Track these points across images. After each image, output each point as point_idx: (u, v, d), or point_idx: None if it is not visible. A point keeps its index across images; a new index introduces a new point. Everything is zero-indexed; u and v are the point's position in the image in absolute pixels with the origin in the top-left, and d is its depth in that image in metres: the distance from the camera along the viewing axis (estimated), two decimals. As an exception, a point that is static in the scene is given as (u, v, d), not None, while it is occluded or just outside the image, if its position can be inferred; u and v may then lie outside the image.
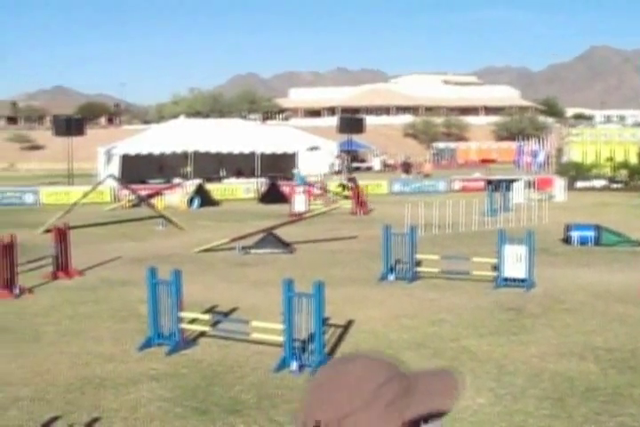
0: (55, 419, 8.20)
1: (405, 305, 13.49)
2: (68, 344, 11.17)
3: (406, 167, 58.00)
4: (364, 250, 20.00)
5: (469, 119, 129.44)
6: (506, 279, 14.85)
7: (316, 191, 36.56)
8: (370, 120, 65.92)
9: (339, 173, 49.18)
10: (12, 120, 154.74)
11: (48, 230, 21.44)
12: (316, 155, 49.30)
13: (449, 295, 14.29)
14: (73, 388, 9.19)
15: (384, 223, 16.48)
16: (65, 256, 16.72)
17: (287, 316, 9.55)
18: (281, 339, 9.79)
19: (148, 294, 10.88)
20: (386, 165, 74.41)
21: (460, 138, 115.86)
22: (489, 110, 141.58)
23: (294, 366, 9.57)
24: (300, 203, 30.31)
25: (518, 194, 32.81)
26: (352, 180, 36.17)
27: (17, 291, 14.69)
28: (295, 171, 38.21)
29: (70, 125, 43.79)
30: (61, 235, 16.66)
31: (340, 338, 11.22)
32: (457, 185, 43.71)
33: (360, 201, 31.40)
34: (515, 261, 14.74)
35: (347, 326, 11.87)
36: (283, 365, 9.62)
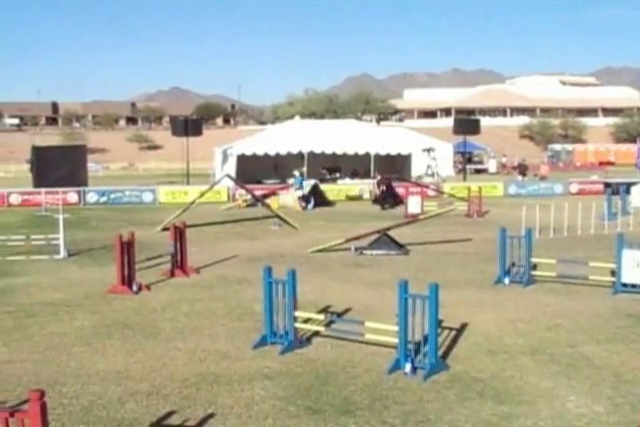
0: (171, 414, 8.33)
1: (521, 309, 13.27)
2: (185, 341, 11.35)
3: (522, 169, 57.02)
4: (478, 252, 19.78)
5: (587, 121, 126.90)
6: (624, 285, 14.46)
7: (431, 193, 36.36)
8: (485, 121, 65.30)
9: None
10: (131, 120, 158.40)
11: (166, 229, 21.87)
12: (432, 156, 49.00)
13: (565, 300, 14.00)
14: (188, 383, 9.32)
15: (499, 226, 16.26)
16: (182, 254, 17.01)
17: (401, 317, 9.50)
18: (395, 340, 9.74)
19: (263, 292, 10.96)
20: (503, 167, 73.45)
21: (577, 140, 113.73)
22: (607, 112, 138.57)
23: (408, 367, 9.51)
24: (414, 204, 30.13)
25: (638, 197, 31.93)
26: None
27: (136, 288, 15.01)
28: (296, 173, 37.73)
29: (188, 126, 44.50)
30: (179, 233, 16.94)
31: (454, 341, 11.11)
32: (574, 188, 42.79)
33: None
34: (634, 267, 14.33)
35: (461, 329, 11.75)
36: (396, 366, 9.57)
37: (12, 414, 5.89)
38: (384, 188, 36.81)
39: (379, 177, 37.47)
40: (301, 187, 35.52)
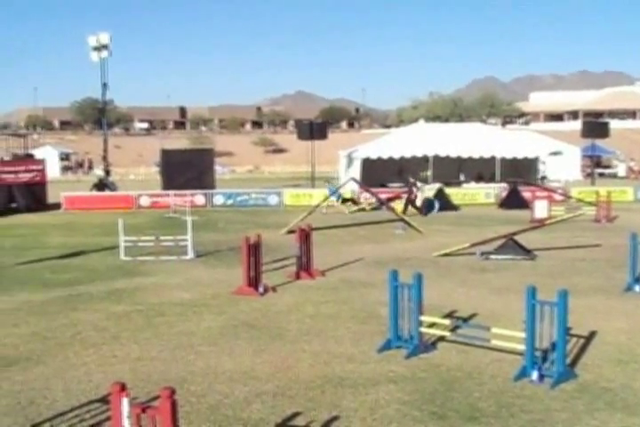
0: (296, 415, 8.39)
1: (653, 318, 12.90)
2: (310, 343, 11.41)
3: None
4: (607, 259, 19.31)
5: None
6: None
7: (558, 197, 35.69)
8: (614, 124, 63.65)
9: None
10: (257, 124, 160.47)
11: (291, 231, 22.05)
12: (559, 160, 48.17)
13: (701, 309, 13.55)
14: (314, 386, 9.37)
15: (629, 231, 15.82)
16: (307, 256, 17.12)
17: (529, 324, 9.34)
18: (521, 347, 9.58)
19: (389, 296, 10.93)
20: (631, 171, 71.58)
21: None
22: None
23: (535, 375, 9.34)
24: (541, 209, 29.63)
25: None
26: (412, 184, 34.36)
27: (262, 289, 15.18)
28: (328, 183, 37.04)
29: (313, 129, 44.79)
30: (304, 236, 17.06)
31: (583, 349, 10.86)
32: None
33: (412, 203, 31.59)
34: None
35: (589, 337, 11.48)
36: (523, 374, 9.42)
37: (143, 410, 6.02)
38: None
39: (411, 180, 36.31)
40: (336, 194, 34.94)
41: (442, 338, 11.28)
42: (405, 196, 34.48)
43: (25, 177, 37.32)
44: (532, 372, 9.37)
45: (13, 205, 36.72)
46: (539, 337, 9.38)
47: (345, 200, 35.72)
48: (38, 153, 46.26)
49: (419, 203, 34.62)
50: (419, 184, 34.58)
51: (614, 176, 69.44)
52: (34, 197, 37.65)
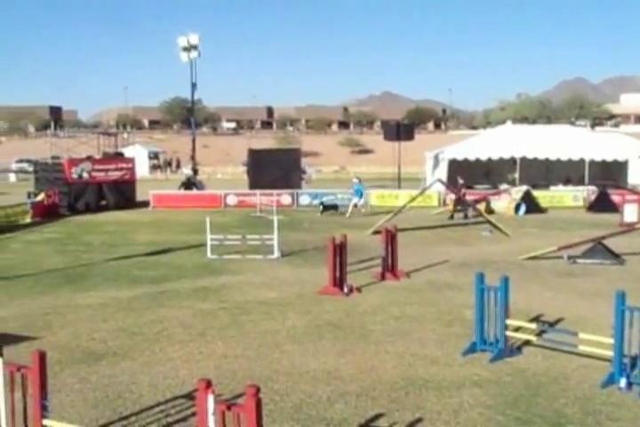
0: (379, 416, 8.39)
1: None
2: (394, 344, 11.40)
3: None
4: (701, 265, 18.86)
5: None
6: None
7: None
8: None
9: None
10: (343, 125, 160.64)
11: (377, 232, 22.04)
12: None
13: None
14: (397, 387, 9.36)
15: None
16: (393, 257, 17.09)
17: (618, 330, 9.17)
18: (609, 353, 9.43)
19: (475, 299, 10.86)
20: None
21: None
22: None
23: (623, 382, 9.18)
24: (630, 212, 29.06)
25: None
26: (461, 185, 33.18)
27: (347, 289, 15.20)
28: (355, 180, 35.95)
29: (400, 130, 44.62)
30: (390, 237, 17.03)
31: (674, 357, 10.63)
32: None
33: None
34: None
35: (681, 345, 11.23)
36: (610, 380, 9.27)
37: (228, 408, 6.09)
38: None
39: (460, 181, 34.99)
40: (360, 196, 34.38)
41: (527, 342, 11.16)
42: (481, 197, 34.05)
43: (115, 175, 37.97)
44: (620, 379, 9.22)
45: (103, 202, 37.41)
46: (627, 343, 9.22)
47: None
48: (128, 152, 46.83)
49: (503, 205, 34.26)
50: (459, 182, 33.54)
51: None
52: (123, 194, 38.30)
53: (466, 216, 31.51)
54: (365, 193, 34.82)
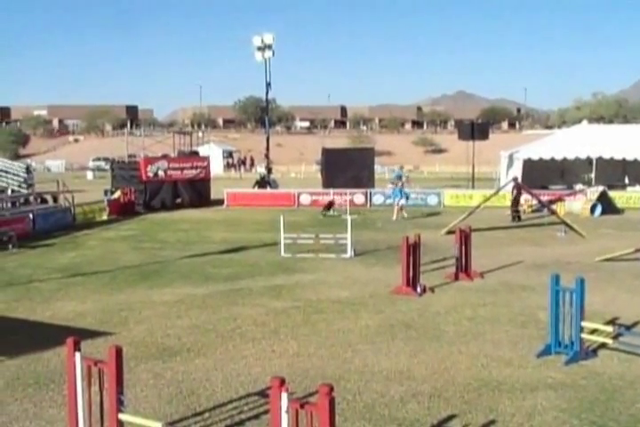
0: (452, 417, 8.35)
1: None
2: (467, 345, 11.34)
3: None
4: None
5: None
6: None
7: None
8: None
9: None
10: (417, 124, 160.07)
11: (451, 232, 21.91)
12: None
13: None
14: (470, 388, 9.31)
15: None
16: (466, 258, 16.99)
17: (697, 334, 9.01)
18: (688, 357, 9.26)
19: (549, 300, 10.73)
20: None
21: None
22: None
23: (702, 387, 9.01)
24: None
25: None
26: (517, 184, 31.77)
27: (420, 289, 15.17)
28: (395, 168, 34.51)
29: (474, 130, 44.31)
30: (464, 237, 16.94)
31: None
32: None
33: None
34: None
35: None
36: (688, 386, 9.10)
37: (302, 406, 6.12)
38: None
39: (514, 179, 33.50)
40: (401, 196, 33.16)
41: (603, 345, 11.01)
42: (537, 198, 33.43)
43: (190, 173, 38.37)
44: (699, 384, 9.04)
45: (178, 200, 37.85)
46: None
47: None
48: (202, 150, 47.34)
49: (578, 205, 33.81)
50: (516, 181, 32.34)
51: None
52: (198, 193, 38.69)
53: (518, 218, 30.96)
54: (404, 194, 33.77)
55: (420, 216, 32.76)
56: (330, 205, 34.34)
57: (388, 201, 35.08)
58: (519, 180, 32.88)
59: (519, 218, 30.92)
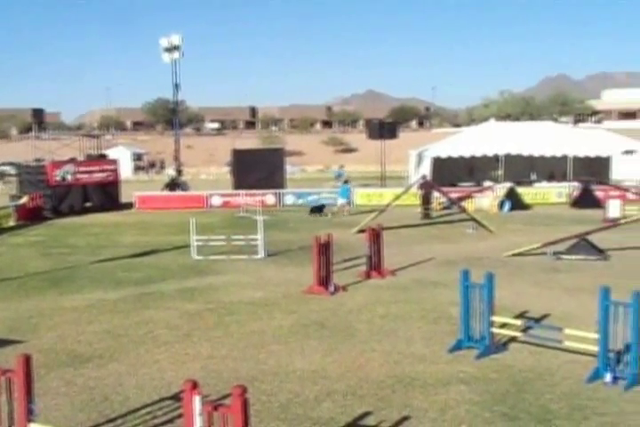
0: (367, 414, 8.40)
1: None
2: (380, 342, 11.41)
3: None
4: (684, 259, 18.97)
5: None
6: None
7: (632, 196, 35.12)
8: (691, 122, 62.33)
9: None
10: (327, 124, 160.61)
11: (362, 231, 22.05)
12: (632, 159, 47.40)
13: None
14: (384, 385, 9.37)
15: None
16: (378, 256, 17.11)
17: (602, 325, 9.22)
18: (595, 349, 9.46)
19: (460, 296, 10.89)
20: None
21: None
22: None
23: (608, 377, 9.22)
24: (614, 208, 29.16)
25: None
26: (424, 182, 32.58)
27: (332, 288, 15.21)
28: (336, 169, 35.92)
29: (383, 129, 44.63)
30: (375, 235, 17.05)
31: (658, 351, 10.67)
32: None
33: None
34: None
35: (665, 339, 11.28)
36: (596, 375, 9.31)
37: (215, 408, 6.09)
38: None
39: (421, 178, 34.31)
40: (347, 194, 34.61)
41: (513, 339, 11.21)
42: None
43: (99, 177, 37.86)
44: (605, 374, 9.26)
45: (88, 204, 37.30)
46: (612, 339, 9.26)
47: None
48: (111, 153, 46.86)
49: (487, 202, 34.34)
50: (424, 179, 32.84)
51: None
52: (107, 196, 38.19)
53: (428, 216, 31.30)
54: (349, 193, 34.63)
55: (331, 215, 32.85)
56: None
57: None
58: (428, 178, 33.26)
59: (429, 216, 31.26)
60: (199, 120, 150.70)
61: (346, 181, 36.87)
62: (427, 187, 31.45)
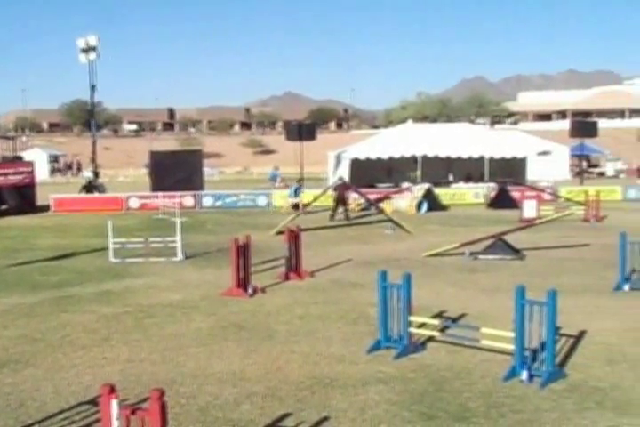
0: (286, 416, 8.39)
1: (642, 317, 12.93)
2: (299, 344, 11.41)
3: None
4: (596, 258, 19.37)
5: None
6: None
7: (547, 197, 35.83)
8: (602, 124, 63.83)
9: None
10: (245, 126, 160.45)
11: (280, 232, 22.06)
12: (548, 160, 48.34)
13: (689, 308, 13.58)
14: (303, 386, 9.37)
15: (618, 231, 15.87)
16: (296, 257, 17.12)
17: (518, 324, 9.36)
18: (511, 347, 9.60)
19: (378, 296, 10.95)
20: (620, 171, 71.76)
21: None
22: None
23: (524, 375, 9.36)
24: (529, 208, 29.68)
25: None
26: (342, 184, 33.10)
27: (251, 290, 15.18)
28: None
29: (302, 130, 44.74)
30: (293, 237, 17.06)
31: (572, 349, 10.89)
32: (699, 191, 41.46)
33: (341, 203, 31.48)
34: None
35: (579, 337, 11.51)
36: (512, 374, 9.44)
37: (133, 412, 6.02)
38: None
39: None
40: (296, 194, 35.29)
41: (431, 338, 11.29)
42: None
43: (14, 179, 37.21)
44: (521, 372, 9.39)
45: (3, 207, 36.63)
46: (528, 337, 9.40)
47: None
48: (27, 155, 46.22)
49: (405, 203, 34.63)
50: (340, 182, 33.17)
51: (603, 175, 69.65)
52: (23, 199, 37.52)
53: (347, 217, 31.47)
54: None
55: (250, 217, 32.79)
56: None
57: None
58: (345, 179, 33.45)
59: (348, 217, 31.39)
60: (117, 122, 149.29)
61: (300, 180, 37.61)
62: (342, 189, 31.63)
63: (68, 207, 37.60)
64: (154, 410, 5.85)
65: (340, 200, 31.73)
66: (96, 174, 47.30)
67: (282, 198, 37.88)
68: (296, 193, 35.08)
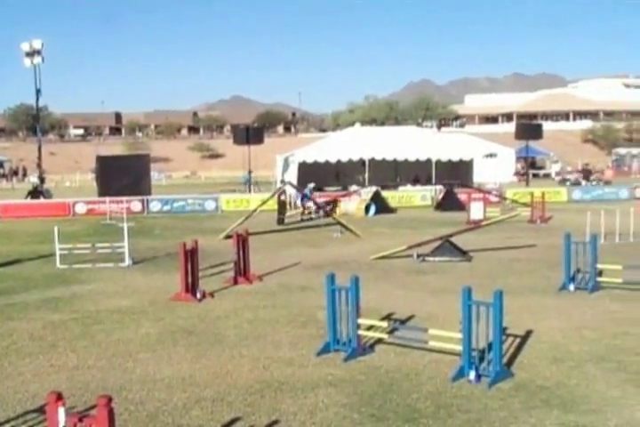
0: (235, 420, 8.38)
1: (587, 316, 13.09)
2: (248, 348, 11.40)
3: (586, 174, 56.46)
4: (542, 259, 19.59)
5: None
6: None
7: (494, 199, 36.16)
8: (548, 126, 64.64)
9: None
10: (193, 130, 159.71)
11: (228, 236, 22.03)
12: (494, 162, 48.81)
13: (632, 307, 13.77)
14: (253, 390, 9.36)
15: (563, 231, 16.07)
16: (245, 262, 17.10)
17: (465, 324, 9.44)
18: (459, 348, 9.68)
19: (326, 300, 10.98)
20: (564, 172, 72.69)
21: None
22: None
23: (472, 375, 9.44)
24: (476, 210, 29.93)
25: None
26: (282, 188, 33.40)
27: (199, 295, 15.13)
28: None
29: (249, 134, 44.73)
30: (241, 241, 17.04)
31: (519, 348, 11.00)
32: (640, 192, 42.12)
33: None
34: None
35: (525, 337, 11.63)
36: (460, 374, 9.52)
37: (80, 420, 5.98)
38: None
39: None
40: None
41: (380, 340, 11.33)
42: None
43: (-43, 185, 36.77)
44: (469, 372, 9.47)
45: (-55, 214, 36.14)
46: (475, 338, 9.49)
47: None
48: (-30, 161, 45.65)
49: (353, 206, 34.71)
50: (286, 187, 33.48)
51: (548, 177, 70.45)
52: (-34, 205, 37.08)
53: (302, 220, 31.58)
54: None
55: (198, 221, 32.68)
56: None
57: None
58: (294, 182, 33.49)
59: (303, 220, 31.47)
60: (63, 126, 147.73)
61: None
62: (280, 193, 31.74)
63: (14, 213, 37.16)
64: (101, 417, 5.82)
65: (284, 203, 31.84)
66: (42, 180, 46.88)
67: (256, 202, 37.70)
68: (307, 196, 34.62)
